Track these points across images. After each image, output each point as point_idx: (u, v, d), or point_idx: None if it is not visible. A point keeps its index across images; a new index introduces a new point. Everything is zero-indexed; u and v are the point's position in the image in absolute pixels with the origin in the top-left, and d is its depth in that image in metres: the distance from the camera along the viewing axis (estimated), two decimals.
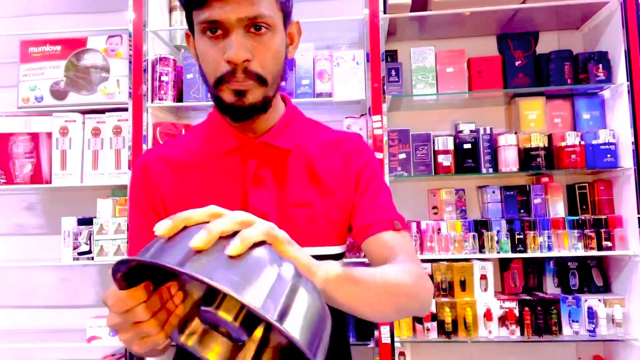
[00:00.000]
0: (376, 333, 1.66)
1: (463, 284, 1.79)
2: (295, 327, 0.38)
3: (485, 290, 1.79)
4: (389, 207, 0.82)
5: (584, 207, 1.85)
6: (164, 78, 1.84)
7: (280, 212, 0.77)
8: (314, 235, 0.78)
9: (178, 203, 0.79)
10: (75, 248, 1.84)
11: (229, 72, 0.69)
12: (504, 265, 1.89)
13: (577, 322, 1.73)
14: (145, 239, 0.76)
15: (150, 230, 0.79)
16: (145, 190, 0.81)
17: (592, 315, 1.72)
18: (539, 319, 1.73)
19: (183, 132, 1.87)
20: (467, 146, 1.83)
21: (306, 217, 0.77)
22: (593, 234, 1.73)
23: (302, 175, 0.80)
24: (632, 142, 1.67)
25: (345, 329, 0.88)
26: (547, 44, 1.95)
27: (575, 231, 1.74)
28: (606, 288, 1.82)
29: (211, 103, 1.94)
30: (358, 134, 0.88)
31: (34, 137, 1.92)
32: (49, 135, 1.91)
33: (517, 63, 1.86)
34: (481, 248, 1.77)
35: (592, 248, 1.72)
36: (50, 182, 1.88)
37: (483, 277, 1.80)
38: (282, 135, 0.80)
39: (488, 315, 1.74)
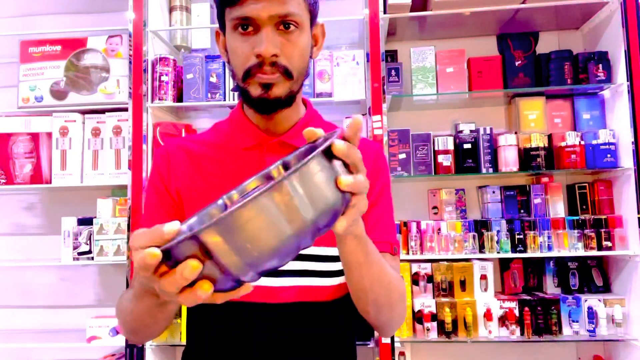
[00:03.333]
0: (376, 333, 1.66)
1: (463, 284, 1.79)
2: None
3: (485, 290, 1.79)
4: (392, 228, 0.84)
5: (584, 207, 1.85)
6: (164, 78, 1.84)
7: None
8: (325, 235, 0.79)
9: (193, 193, 0.81)
10: (75, 248, 1.84)
11: (257, 64, 0.72)
12: (504, 265, 1.89)
13: (577, 322, 1.73)
14: (159, 218, 0.79)
15: (164, 210, 0.81)
16: (164, 176, 0.83)
17: (592, 315, 1.72)
18: (539, 319, 1.73)
19: (183, 132, 1.87)
20: (467, 146, 1.83)
21: None
22: (593, 234, 1.73)
23: None
24: (632, 142, 1.67)
25: (353, 332, 0.88)
26: (547, 44, 1.95)
27: (575, 231, 1.74)
28: (606, 288, 1.82)
29: (211, 103, 1.95)
30: (378, 143, 0.89)
31: (34, 137, 1.92)
32: (49, 135, 1.91)
33: (517, 63, 1.86)
34: (481, 248, 1.77)
35: (592, 248, 1.72)
36: (50, 182, 1.88)
37: (483, 277, 1.80)
38: (302, 136, 0.81)
39: (488, 315, 1.74)
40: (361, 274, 0.66)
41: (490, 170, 1.80)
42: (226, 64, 0.80)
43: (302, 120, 0.84)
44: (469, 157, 1.82)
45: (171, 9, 2.00)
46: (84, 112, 1.92)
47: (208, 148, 0.84)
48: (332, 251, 0.79)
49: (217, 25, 0.81)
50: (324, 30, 0.83)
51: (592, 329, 1.72)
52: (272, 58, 0.72)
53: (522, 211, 1.85)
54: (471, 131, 1.84)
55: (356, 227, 0.59)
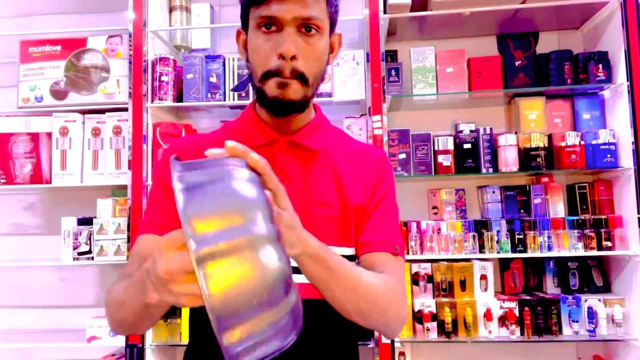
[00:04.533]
0: (376, 333, 1.66)
1: (463, 284, 1.79)
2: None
3: (485, 290, 1.79)
4: (395, 229, 0.85)
5: (584, 207, 1.85)
6: (164, 78, 1.84)
7: (301, 208, 0.78)
8: (330, 234, 0.80)
9: None
10: (75, 248, 1.84)
11: (278, 68, 0.74)
12: (504, 265, 1.89)
13: (577, 322, 1.73)
14: (160, 211, 0.82)
15: (165, 206, 0.82)
16: (163, 177, 0.84)
17: (592, 315, 1.72)
18: (539, 319, 1.73)
19: (183, 132, 1.87)
20: (467, 146, 1.83)
21: (325, 216, 0.80)
22: (593, 234, 1.73)
23: (325, 176, 0.83)
24: (632, 142, 1.67)
25: (353, 331, 0.88)
26: (547, 44, 1.95)
27: (575, 231, 1.74)
28: (606, 288, 1.82)
29: (211, 103, 1.95)
30: (383, 150, 0.91)
31: (34, 137, 1.92)
32: (49, 135, 1.91)
33: (517, 63, 1.86)
34: (481, 248, 1.77)
35: (592, 248, 1.72)
36: (50, 182, 1.88)
37: (483, 277, 1.80)
38: (312, 137, 0.84)
39: (488, 315, 1.74)
40: (329, 287, 0.67)
41: (490, 170, 1.80)
42: (245, 62, 0.82)
43: (312, 121, 0.86)
44: (469, 157, 1.82)
45: (171, 9, 2.00)
46: (84, 112, 1.92)
47: (217, 146, 0.85)
48: (342, 251, 0.81)
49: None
50: (340, 39, 0.86)
51: (592, 329, 1.72)
52: (292, 62, 0.74)
53: (522, 211, 1.85)
54: (471, 131, 1.84)
55: (305, 247, 0.61)
